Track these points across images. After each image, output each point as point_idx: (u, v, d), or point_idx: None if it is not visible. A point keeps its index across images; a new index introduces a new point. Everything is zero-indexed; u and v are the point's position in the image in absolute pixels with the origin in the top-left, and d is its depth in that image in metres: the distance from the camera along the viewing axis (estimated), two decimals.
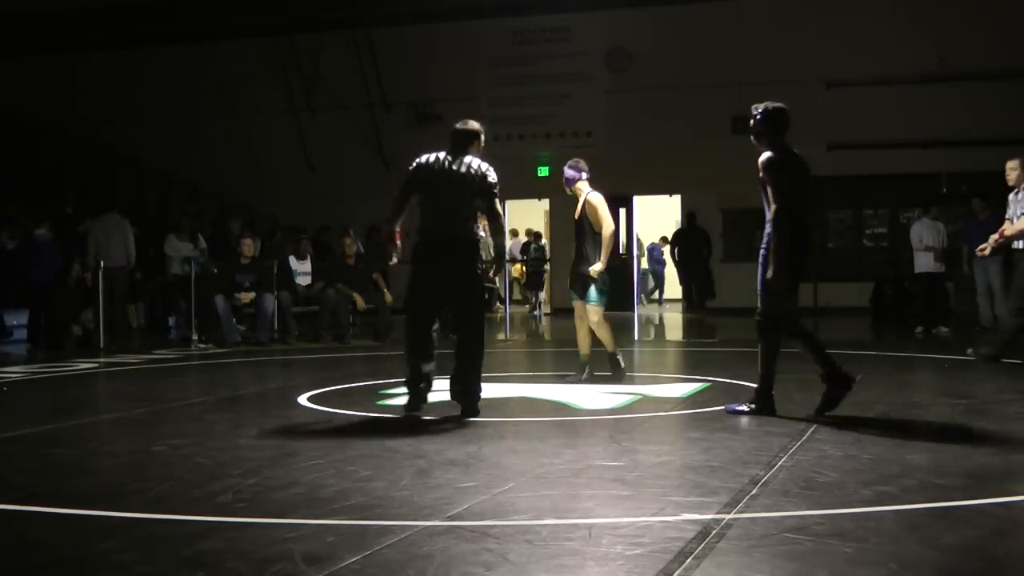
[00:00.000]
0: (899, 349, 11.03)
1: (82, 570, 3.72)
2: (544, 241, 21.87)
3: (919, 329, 13.36)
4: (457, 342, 6.97)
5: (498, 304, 21.49)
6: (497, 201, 6.88)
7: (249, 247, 13.70)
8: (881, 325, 15.37)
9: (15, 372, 10.34)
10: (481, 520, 4.16)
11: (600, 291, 8.47)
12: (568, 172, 8.62)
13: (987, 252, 10.18)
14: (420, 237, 6.82)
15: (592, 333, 8.64)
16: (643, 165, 19.26)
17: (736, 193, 19.34)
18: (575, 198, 8.65)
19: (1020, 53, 17.87)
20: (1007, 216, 10.05)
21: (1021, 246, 9.76)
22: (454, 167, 6.78)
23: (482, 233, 15.80)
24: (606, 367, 8.68)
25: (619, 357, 8.70)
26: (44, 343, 13.32)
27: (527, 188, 20.96)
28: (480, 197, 6.80)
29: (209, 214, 19.01)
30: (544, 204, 22.30)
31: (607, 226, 8.38)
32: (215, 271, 14.01)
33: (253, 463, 5.45)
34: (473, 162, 6.84)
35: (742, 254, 19.70)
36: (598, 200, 8.45)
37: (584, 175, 8.58)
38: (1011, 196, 9.98)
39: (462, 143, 6.94)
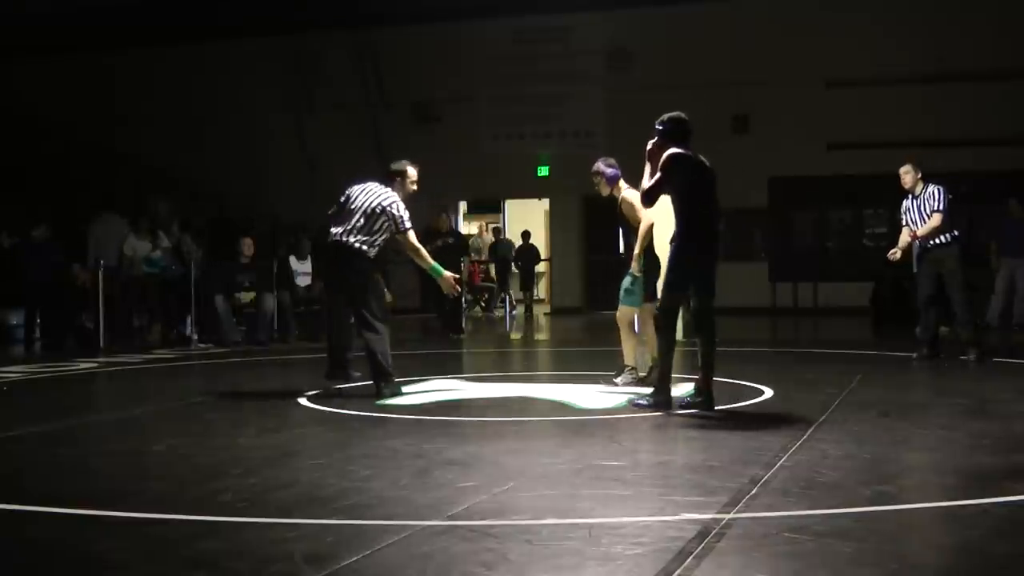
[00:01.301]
0: (899, 349, 11.02)
1: (82, 570, 3.72)
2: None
3: (919, 329, 13.34)
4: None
5: (499, 304, 21.50)
6: (405, 231, 7.87)
7: (249, 246, 13.68)
8: (881, 325, 15.36)
9: (15, 372, 10.33)
10: (481, 520, 4.16)
11: (626, 290, 8.12)
12: (610, 171, 8.35)
13: (898, 256, 10.12)
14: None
15: (648, 331, 8.16)
16: (643, 165, 19.24)
17: (735, 193, 19.31)
18: (612, 198, 8.34)
19: (1020, 53, 17.86)
20: (904, 222, 10.10)
21: (941, 241, 9.83)
22: (367, 195, 7.91)
23: (474, 231, 15.55)
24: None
25: (628, 374, 8.18)
26: (43, 343, 13.32)
27: (527, 188, 20.97)
28: (393, 226, 7.86)
29: (209, 214, 18.99)
30: (544, 204, 22.29)
31: (645, 221, 8.00)
32: (174, 269, 13.74)
33: (253, 463, 5.46)
34: (383, 196, 7.88)
35: (741, 253, 19.71)
36: (633, 195, 8.02)
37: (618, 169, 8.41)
38: (906, 200, 10.02)
39: (386, 177, 8.09)
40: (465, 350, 13.07)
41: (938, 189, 9.86)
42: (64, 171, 20.18)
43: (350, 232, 7.81)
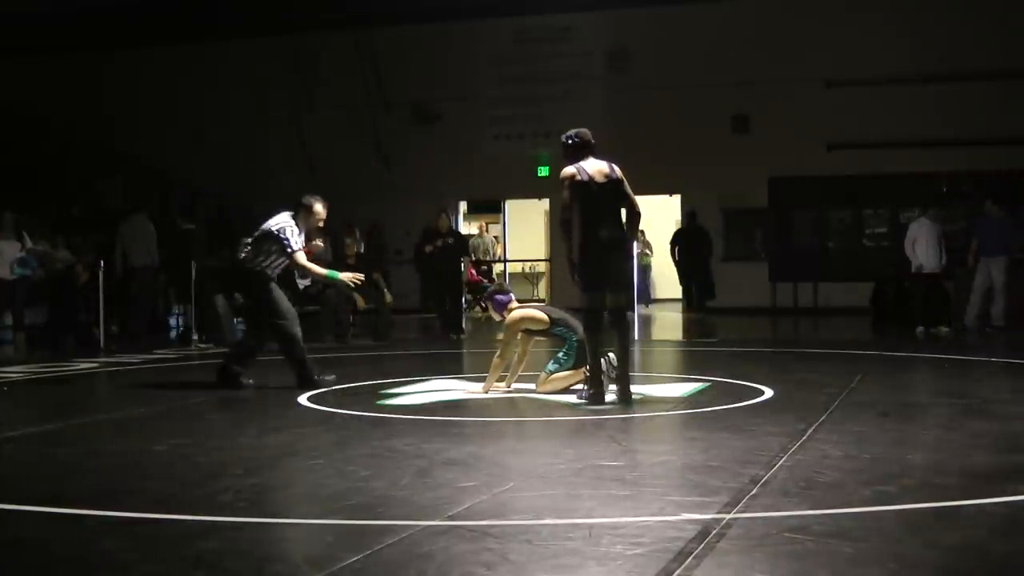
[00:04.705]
0: (899, 349, 11.02)
1: (83, 570, 3.72)
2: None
3: (919, 329, 13.37)
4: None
5: None
6: (291, 254, 8.43)
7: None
8: (881, 325, 15.36)
9: (15, 372, 10.33)
10: (481, 520, 4.16)
11: (556, 360, 8.04)
12: (499, 298, 8.36)
13: None
14: None
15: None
16: (643, 165, 19.18)
17: (736, 193, 19.34)
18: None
19: (1020, 53, 17.86)
20: None
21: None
22: (268, 222, 8.56)
23: (474, 231, 15.35)
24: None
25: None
26: (43, 343, 13.31)
27: (527, 188, 20.96)
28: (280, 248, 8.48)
29: (209, 214, 19.00)
30: (544, 204, 22.28)
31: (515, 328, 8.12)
32: (41, 272, 13.28)
33: (253, 463, 5.46)
34: (274, 222, 8.49)
35: (742, 254, 19.72)
36: (524, 311, 8.18)
37: (511, 294, 8.50)
38: None
39: (295, 207, 8.62)
40: (465, 350, 13.06)
41: None
42: (65, 172, 20.18)
43: (243, 255, 8.63)
